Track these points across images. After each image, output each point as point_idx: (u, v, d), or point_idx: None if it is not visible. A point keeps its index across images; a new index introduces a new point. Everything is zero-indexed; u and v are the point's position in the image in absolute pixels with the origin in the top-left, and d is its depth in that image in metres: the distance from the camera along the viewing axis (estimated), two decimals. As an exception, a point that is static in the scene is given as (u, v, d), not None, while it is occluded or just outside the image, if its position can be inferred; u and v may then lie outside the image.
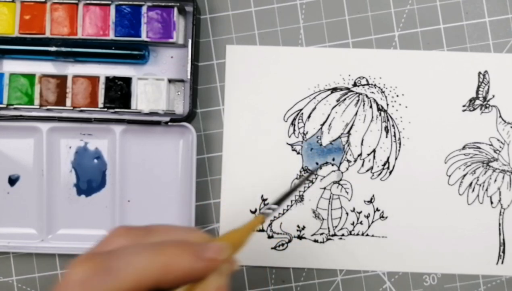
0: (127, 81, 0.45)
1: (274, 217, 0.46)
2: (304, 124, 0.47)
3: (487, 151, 0.47)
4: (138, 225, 0.30)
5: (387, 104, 0.47)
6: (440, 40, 0.47)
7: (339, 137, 0.47)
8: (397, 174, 0.46)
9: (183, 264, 0.27)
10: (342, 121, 0.47)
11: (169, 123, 0.45)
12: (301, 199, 0.46)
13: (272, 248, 0.47)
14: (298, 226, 0.47)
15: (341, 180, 0.47)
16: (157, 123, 0.45)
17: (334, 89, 0.47)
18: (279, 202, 0.37)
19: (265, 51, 0.47)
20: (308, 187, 0.47)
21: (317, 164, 0.47)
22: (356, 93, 0.47)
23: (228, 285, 0.29)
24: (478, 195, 0.47)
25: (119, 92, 0.45)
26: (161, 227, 0.30)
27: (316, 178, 0.47)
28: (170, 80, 0.46)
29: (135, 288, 0.26)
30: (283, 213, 0.46)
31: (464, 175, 0.47)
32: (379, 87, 0.47)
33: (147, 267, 0.26)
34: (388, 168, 0.47)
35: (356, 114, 0.47)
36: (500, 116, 0.47)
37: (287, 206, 0.46)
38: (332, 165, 0.47)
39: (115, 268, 0.26)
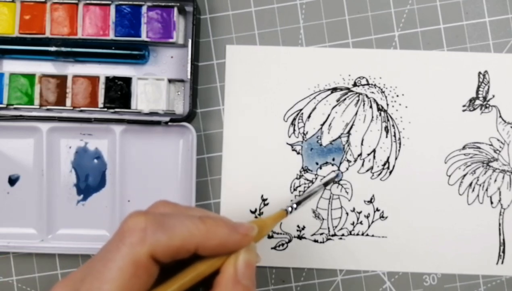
0: (127, 81, 0.45)
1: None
2: (304, 124, 0.47)
3: (487, 151, 0.47)
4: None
5: (387, 104, 0.47)
6: (440, 40, 0.47)
7: (339, 137, 0.47)
8: (397, 174, 0.46)
9: (220, 234, 0.30)
10: (342, 121, 0.47)
11: (169, 123, 0.45)
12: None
13: (272, 248, 0.47)
14: (298, 226, 0.47)
15: (340, 180, 0.47)
16: (157, 123, 0.45)
17: (334, 89, 0.47)
18: (299, 202, 0.41)
19: (265, 51, 0.47)
20: (308, 186, 0.47)
21: (317, 163, 0.47)
22: (356, 93, 0.47)
23: (257, 261, 0.32)
24: (478, 195, 0.47)
25: (119, 92, 0.45)
26: (198, 208, 0.33)
27: (316, 178, 0.47)
28: (170, 80, 0.46)
29: (182, 246, 0.29)
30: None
31: (464, 175, 0.47)
32: (379, 87, 0.47)
33: (193, 231, 0.29)
34: (388, 168, 0.47)
35: (356, 114, 0.47)
36: (500, 116, 0.47)
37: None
38: (332, 165, 0.47)
39: (169, 225, 0.29)
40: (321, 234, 0.47)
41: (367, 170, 0.47)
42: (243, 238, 0.31)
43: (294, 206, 0.40)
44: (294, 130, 0.47)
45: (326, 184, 0.46)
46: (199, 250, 0.30)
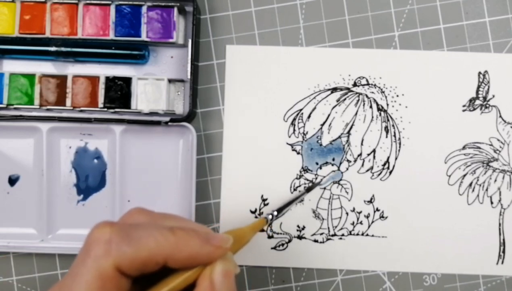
0: (127, 81, 0.45)
1: (276, 216, 0.46)
2: (304, 124, 0.47)
3: (487, 151, 0.47)
4: (154, 210, 0.33)
5: (387, 104, 0.47)
6: (440, 40, 0.47)
7: (339, 137, 0.47)
8: (397, 174, 0.46)
9: (191, 246, 0.29)
10: (342, 121, 0.47)
11: (169, 123, 0.45)
12: (301, 199, 0.46)
13: (272, 248, 0.47)
14: (298, 226, 0.47)
15: (340, 180, 0.47)
16: (157, 123, 0.45)
17: (334, 89, 0.47)
18: (280, 210, 0.41)
19: (265, 51, 0.47)
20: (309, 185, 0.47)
21: (317, 163, 0.47)
22: (356, 93, 0.47)
23: (235, 271, 0.31)
24: (478, 195, 0.47)
25: (119, 92, 0.45)
26: (174, 216, 0.33)
27: (316, 178, 0.47)
28: (170, 80, 0.46)
29: (149, 258, 0.28)
30: (284, 213, 0.46)
31: (464, 175, 0.47)
32: (379, 87, 0.47)
33: (162, 242, 0.28)
34: (388, 168, 0.47)
35: (356, 114, 0.47)
36: (500, 116, 0.47)
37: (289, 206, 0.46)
38: (332, 165, 0.47)
39: (136, 236, 0.28)
40: (321, 234, 0.47)
41: (367, 170, 0.47)
42: (216, 250, 0.30)
43: (275, 213, 0.40)
44: (294, 130, 0.47)
45: (308, 190, 0.46)
46: (169, 262, 0.29)
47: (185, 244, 0.29)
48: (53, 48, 0.45)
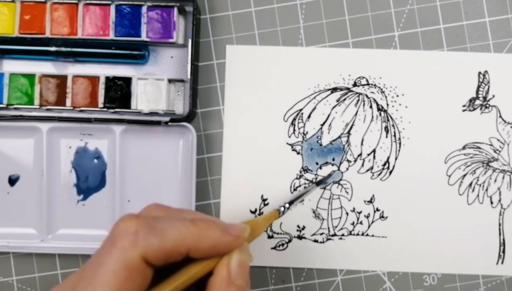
0: (127, 81, 0.45)
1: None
2: (304, 124, 0.47)
3: (487, 151, 0.47)
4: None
5: (387, 104, 0.47)
6: (440, 40, 0.47)
7: (339, 137, 0.47)
8: (397, 174, 0.47)
9: (212, 236, 0.30)
10: (342, 121, 0.47)
11: (169, 123, 0.45)
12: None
13: (272, 248, 0.47)
14: (298, 226, 0.47)
15: (340, 180, 0.47)
16: (157, 123, 0.45)
17: (334, 89, 0.47)
18: (292, 202, 0.41)
19: (265, 51, 0.47)
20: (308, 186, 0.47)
21: (317, 163, 0.47)
22: (356, 93, 0.47)
23: (250, 261, 0.32)
24: (478, 195, 0.47)
25: (119, 92, 0.45)
26: (191, 210, 0.34)
27: (316, 178, 0.47)
28: (170, 80, 0.46)
29: (174, 249, 0.29)
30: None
31: (464, 175, 0.47)
32: (379, 87, 0.47)
33: (185, 234, 0.29)
34: (388, 168, 0.47)
35: (356, 114, 0.47)
36: (500, 116, 0.47)
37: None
38: (332, 165, 0.47)
39: (161, 228, 0.29)
40: (321, 234, 0.47)
41: (367, 170, 0.47)
42: (235, 239, 0.31)
43: (287, 205, 0.40)
44: (294, 130, 0.47)
45: (318, 183, 0.46)
46: (192, 252, 0.30)
47: (206, 234, 0.30)
48: (53, 48, 0.45)
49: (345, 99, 0.47)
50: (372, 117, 0.47)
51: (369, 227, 0.47)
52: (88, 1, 0.45)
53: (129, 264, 0.28)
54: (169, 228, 0.29)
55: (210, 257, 0.31)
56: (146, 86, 0.45)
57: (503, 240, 0.46)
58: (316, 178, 0.47)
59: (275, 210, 0.39)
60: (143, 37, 0.45)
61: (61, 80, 0.45)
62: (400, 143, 0.47)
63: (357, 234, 0.47)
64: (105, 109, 0.45)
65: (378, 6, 0.47)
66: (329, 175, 0.46)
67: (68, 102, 0.45)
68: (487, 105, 0.47)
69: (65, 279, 0.38)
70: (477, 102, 0.47)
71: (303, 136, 0.47)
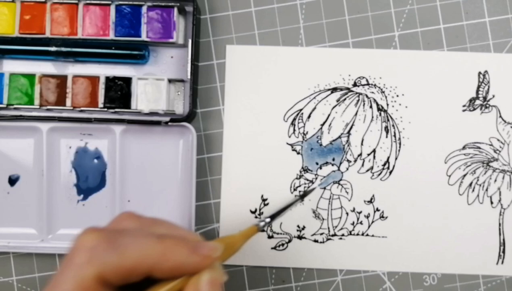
0: (127, 81, 0.45)
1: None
2: (304, 124, 0.47)
3: (487, 151, 0.47)
4: (145, 215, 0.32)
5: (387, 104, 0.47)
6: (440, 40, 0.47)
7: (339, 137, 0.47)
8: (397, 174, 0.46)
9: (178, 256, 0.28)
10: (342, 121, 0.47)
11: (169, 123, 0.45)
12: (301, 199, 0.46)
13: (272, 248, 0.47)
14: (298, 226, 0.47)
15: (340, 180, 0.47)
16: (157, 123, 0.45)
17: (334, 89, 0.47)
18: (273, 216, 0.40)
19: (265, 51, 0.47)
20: (308, 186, 0.47)
21: (317, 163, 0.47)
22: (356, 93, 0.47)
23: (222, 280, 0.30)
24: (478, 195, 0.47)
25: (119, 92, 0.45)
26: (165, 222, 0.32)
27: (316, 178, 0.47)
28: (170, 80, 0.46)
29: (134, 267, 0.27)
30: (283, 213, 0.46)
31: (464, 175, 0.47)
32: (379, 87, 0.47)
33: (148, 251, 0.28)
34: (388, 168, 0.47)
35: (356, 114, 0.47)
36: (500, 116, 0.47)
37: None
38: (332, 165, 0.47)
39: (122, 244, 0.28)
40: (321, 234, 0.47)
41: (367, 170, 0.47)
42: (203, 259, 0.29)
43: (267, 220, 0.39)
44: (294, 130, 0.47)
45: (302, 196, 0.46)
46: (154, 272, 0.28)
47: (172, 253, 0.28)
48: (53, 48, 0.45)
49: (345, 99, 0.47)
50: (372, 117, 0.47)
51: (369, 227, 0.47)
52: (88, 1, 0.45)
53: (82, 283, 0.26)
54: (131, 244, 0.27)
55: (174, 278, 0.29)
56: (146, 86, 0.45)
57: (503, 240, 0.46)
58: (313, 181, 0.47)
59: (253, 225, 0.38)
60: (143, 37, 0.45)
61: (61, 80, 0.45)
62: (400, 143, 0.47)
63: (357, 234, 0.47)
64: (105, 109, 0.45)
65: (378, 6, 0.47)
66: (313, 189, 0.46)
67: (68, 102, 0.45)
68: (487, 105, 0.47)
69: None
70: (477, 102, 0.47)
71: (303, 136, 0.47)
